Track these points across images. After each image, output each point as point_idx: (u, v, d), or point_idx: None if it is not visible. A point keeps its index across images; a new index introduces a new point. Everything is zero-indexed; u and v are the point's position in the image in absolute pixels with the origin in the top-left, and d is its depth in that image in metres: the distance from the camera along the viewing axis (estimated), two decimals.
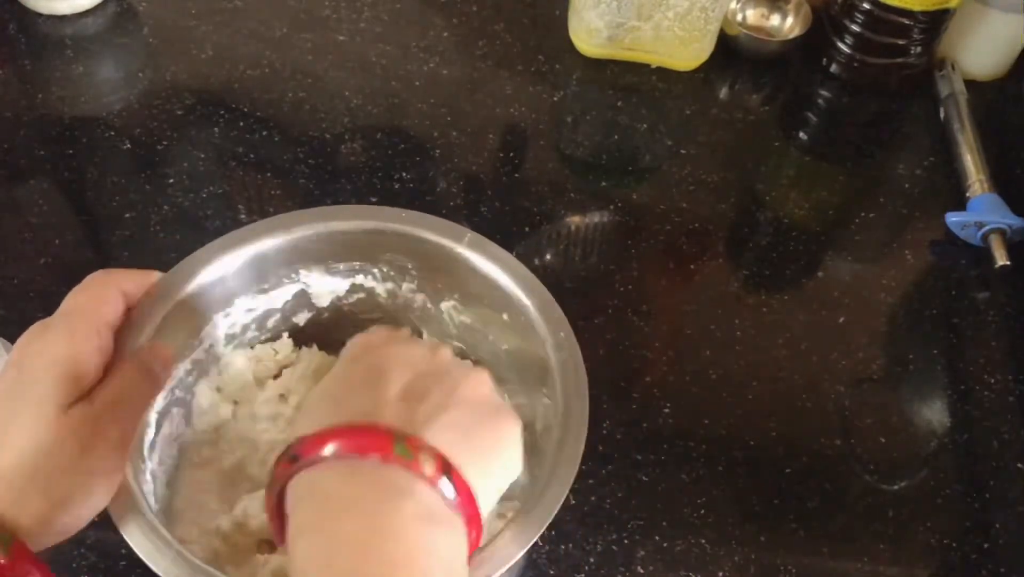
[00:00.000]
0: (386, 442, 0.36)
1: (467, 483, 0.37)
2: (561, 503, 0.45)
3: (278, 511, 0.39)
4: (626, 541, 0.60)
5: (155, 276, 0.51)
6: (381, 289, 0.61)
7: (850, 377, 0.69)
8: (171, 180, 0.75)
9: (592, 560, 0.59)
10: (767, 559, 0.60)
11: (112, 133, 0.78)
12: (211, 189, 0.74)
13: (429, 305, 0.62)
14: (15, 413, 0.41)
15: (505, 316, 0.57)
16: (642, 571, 0.59)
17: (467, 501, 0.37)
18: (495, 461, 0.40)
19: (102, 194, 0.73)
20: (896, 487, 0.64)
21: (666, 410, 0.66)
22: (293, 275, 0.59)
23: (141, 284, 0.50)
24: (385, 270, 0.60)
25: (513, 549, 0.44)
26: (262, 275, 0.58)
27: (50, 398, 0.41)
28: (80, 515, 0.42)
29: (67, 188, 0.74)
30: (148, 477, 0.52)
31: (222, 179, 0.75)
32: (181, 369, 0.57)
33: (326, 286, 0.61)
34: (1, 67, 0.81)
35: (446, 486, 0.36)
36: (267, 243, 0.57)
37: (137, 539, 0.45)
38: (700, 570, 0.59)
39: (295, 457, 0.37)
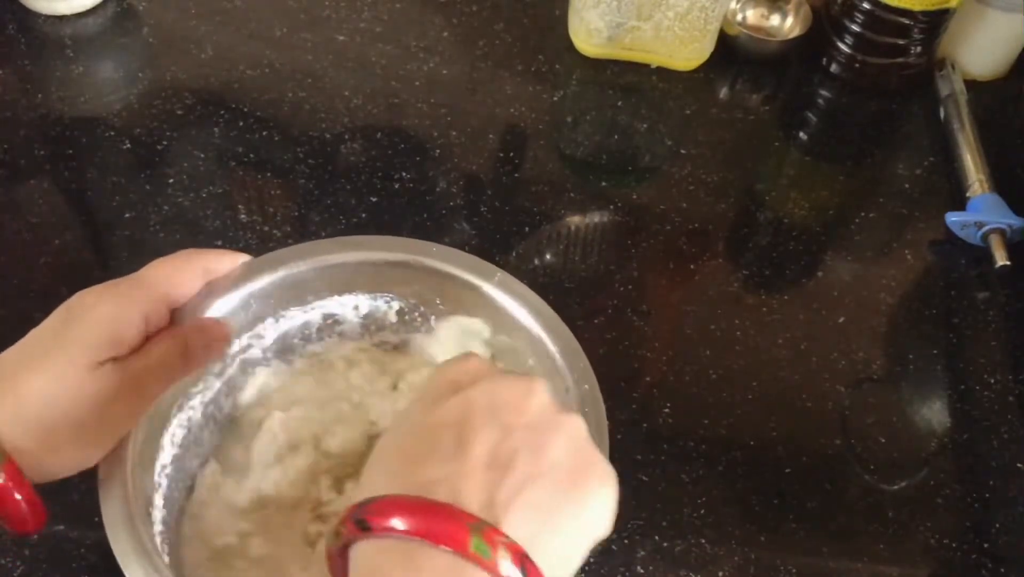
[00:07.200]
0: (463, 534, 0.33)
1: None
2: None
3: (340, 564, 0.37)
4: (626, 541, 0.60)
5: (243, 258, 0.52)
6: (407, 321, 0.61)
7: (850, 377, 0.69)
8: (171, 180, 0.75)
9: (592, 560, 0.59)
10: (767, 559, 0.60)
11: (112, 133, 0.77)
12: (211, 189, 0.74)
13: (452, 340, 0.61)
14: (48, 353, 0.43)
15: (531, 361, 0.57)
16: (642, 571, 0.59)
17: None
18: (578, 543, 0.37)
19: (102, 194, 0.73)
20: (896, 487, 0.64)
21: (666, 410, 0.66)
22: (317, 303, 0.59)
23: (227, 264, 0.51)
24: (412, 303, 0.60)
25: None
26: (283, 302, 0.58)
27: (84, 351, 0.43)
28: (65, 466, 0.44)
29: (67, 188, 0.74)
30: (158, 501, 0.52)
31: (222, 179, 0.75)
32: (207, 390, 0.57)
33: (351, 314, 0.61)
34: (1, 67, 0.81)
35: None
36: (292, 270, 0.57)
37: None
38: (700, 570, 0.59)
39: (362, 524, 0.34)
